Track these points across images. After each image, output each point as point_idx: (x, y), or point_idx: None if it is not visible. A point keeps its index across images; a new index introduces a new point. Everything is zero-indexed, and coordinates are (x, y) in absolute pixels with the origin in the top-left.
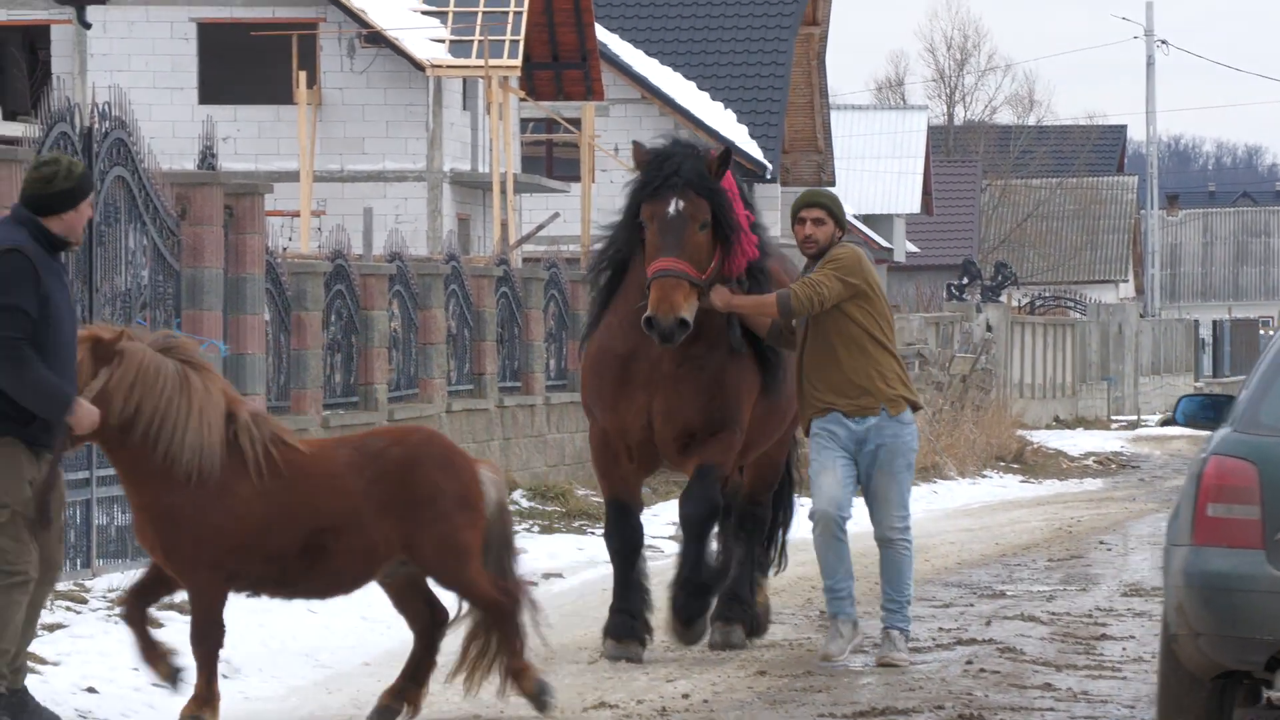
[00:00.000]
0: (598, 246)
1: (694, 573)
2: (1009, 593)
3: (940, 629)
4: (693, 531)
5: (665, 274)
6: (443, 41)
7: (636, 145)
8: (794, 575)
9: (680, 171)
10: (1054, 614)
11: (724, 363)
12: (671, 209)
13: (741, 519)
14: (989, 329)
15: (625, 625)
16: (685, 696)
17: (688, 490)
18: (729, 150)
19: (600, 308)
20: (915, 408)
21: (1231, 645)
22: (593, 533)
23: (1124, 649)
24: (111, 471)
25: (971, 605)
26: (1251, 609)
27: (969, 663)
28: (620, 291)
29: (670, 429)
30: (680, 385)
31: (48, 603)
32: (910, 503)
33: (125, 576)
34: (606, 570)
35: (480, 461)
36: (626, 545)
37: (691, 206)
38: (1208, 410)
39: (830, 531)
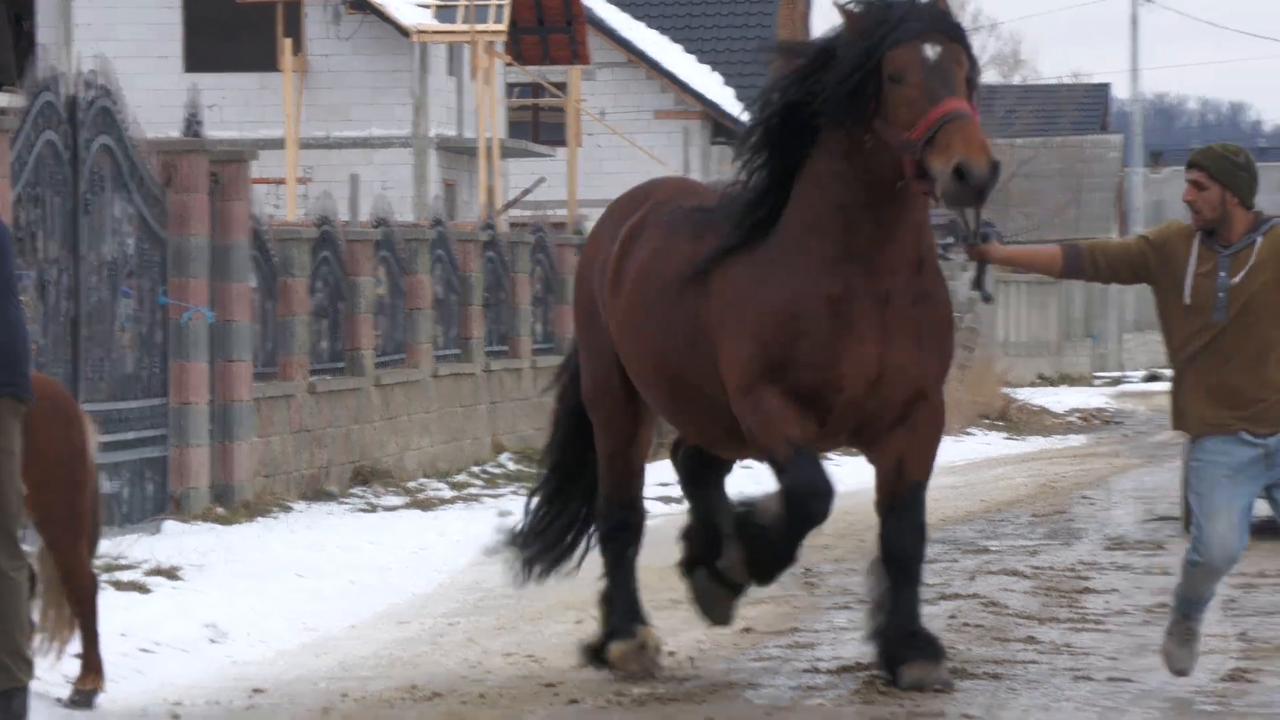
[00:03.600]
0: (750, 142)
1: (919, 619)
2: (993, 548)
3: (924, 584)
4: (916, 574)
5: (960, 115)
6: (428, 7)
7: (845, 10)
8: None
9: (933, 16)
10: (1037, 568)
11: (946, 303)
12: (932, 54)
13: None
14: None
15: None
16: (672, 653)
17: (902, 517)
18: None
19: (754, 222)
20: None
21: None
22: None
23: (1106, 602)
24: None
25: (956, 561)
26: None
27: (953, 617)
28: (795, 205)
29: (903, 386)
30: (914, 328)
31: None
32: None
33: (117, 544)
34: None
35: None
36: (826, 511)
37: (951, 52)
38: None
39: (1210, 577)
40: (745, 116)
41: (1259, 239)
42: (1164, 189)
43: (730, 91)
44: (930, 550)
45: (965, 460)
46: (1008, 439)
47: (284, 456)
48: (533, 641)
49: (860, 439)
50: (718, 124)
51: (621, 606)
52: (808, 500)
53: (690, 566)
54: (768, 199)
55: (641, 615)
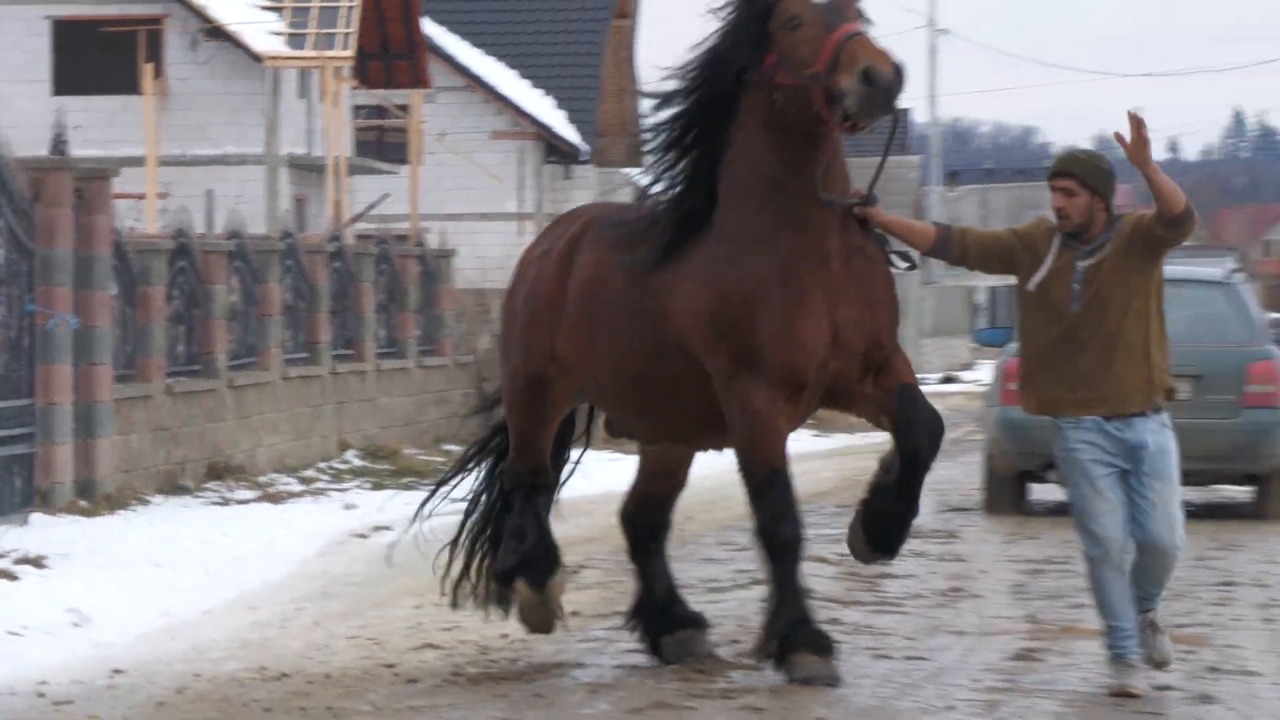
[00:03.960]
0: (664, 119)
1: (914, 506)
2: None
3: (738, 570)
4: (929, 459)
5: (860, 33)
6: (280, 35)
7: None
8: (605, 524)
9: None
10: (841, 555)
11: (881, 258)
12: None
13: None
14: None
15: (823, 637)
16: (504, 636)
17: (910, 414)
18: None
19: (686, 212)
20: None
21: (1022, 457)
22: (420, 488)
23: (905, 586)
24: None
25: None
26: (1031, 437)
27: (763, 600)
28: (726, 185)
29: (860, 340)
30: (859, 284)
31: None
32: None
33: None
34: (434, 523)
35: None
36: (798, 535)
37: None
38: (998, 336)
39: (1113, 569)
40: (575, 137)
41: (1112, 235)
42: (960, 206)
43: (562, 114)
44: (744, 538)
45: None
46: (815, 436)
47: (143, 453)
48: (375, 625)
49: (835, 401)
50: (550, 144)
51: (535, 544)
52: (780, 528)
53: (652, 639)
54: (696, 188)
55: (555, 555)
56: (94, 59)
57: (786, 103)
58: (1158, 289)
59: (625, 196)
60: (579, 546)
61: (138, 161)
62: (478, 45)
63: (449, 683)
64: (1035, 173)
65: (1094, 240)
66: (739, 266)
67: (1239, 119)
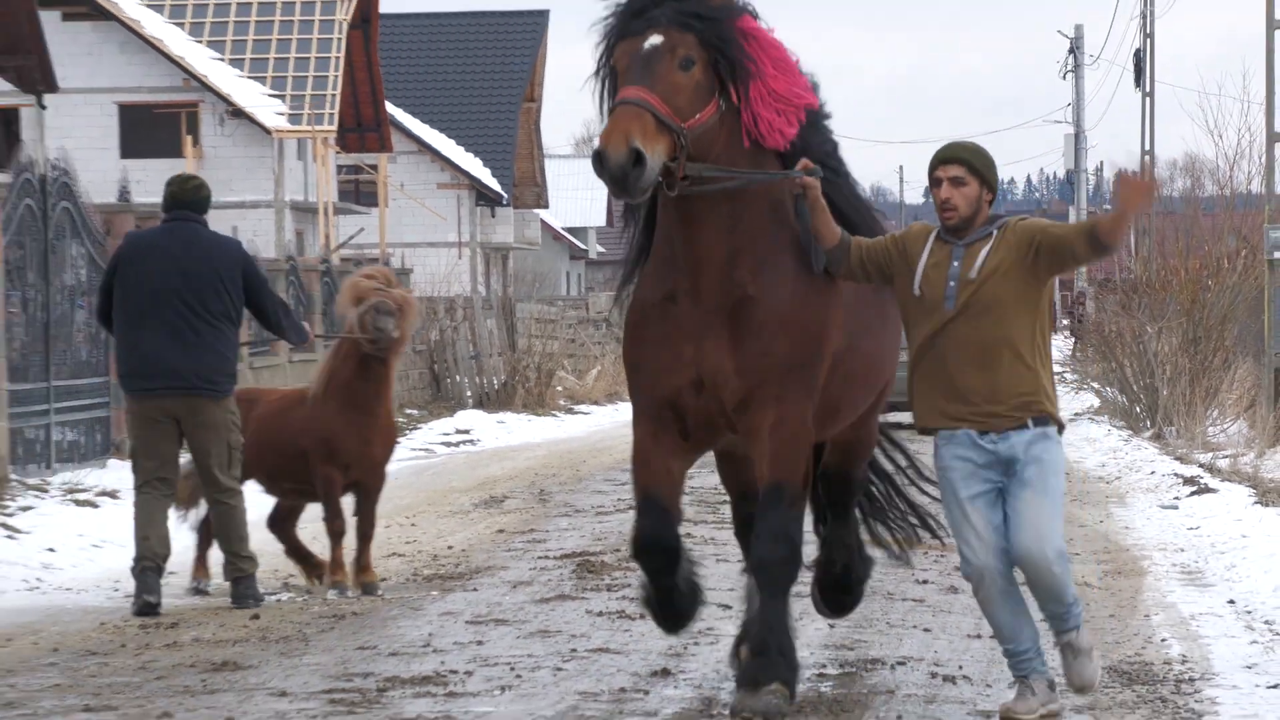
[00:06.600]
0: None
1: (771, 637)
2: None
3: (619, 499)
4: (770, 582)
5: (624, 102)
6: (283, 114)
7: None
8: (524, 467)
9: (658, 2)
10: (693, 487)
11: (796, 291)
12: (646, 44)
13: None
14: None
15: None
16: (450, 547)
17: (760, 525)
18: None
19: (638, 254)
20: (1060, 427)
21: None
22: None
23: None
24: (67, 393)
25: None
26: None
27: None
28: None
29: (729, 392)
30: (736, 325)
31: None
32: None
33: (76, 475)
34: (398, 468)
35: None
36: (660, 557)
37: (670, 40)
38: None
39: (997, 588)
40: (497, 186)
41: (994, 231)
42: None
43: (487, 171)
44: (623, 476)
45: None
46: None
47: None
48: None
49: (737, 436)
50: (480, 192)
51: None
52: (644, 552)
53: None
54: (639, 230)
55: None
56: (149, 132)
57: None
58: (1047, 305)
59: (534, 230)
60: (503, 483)
61: None
62: (426, 120)
63: (410, 580)
64: None
65: (971, 235)
66: (636, 298)
67: None
